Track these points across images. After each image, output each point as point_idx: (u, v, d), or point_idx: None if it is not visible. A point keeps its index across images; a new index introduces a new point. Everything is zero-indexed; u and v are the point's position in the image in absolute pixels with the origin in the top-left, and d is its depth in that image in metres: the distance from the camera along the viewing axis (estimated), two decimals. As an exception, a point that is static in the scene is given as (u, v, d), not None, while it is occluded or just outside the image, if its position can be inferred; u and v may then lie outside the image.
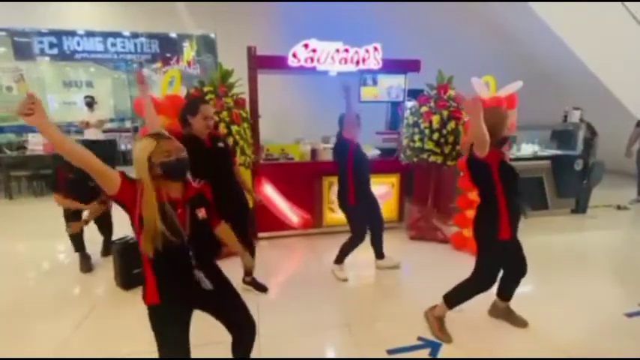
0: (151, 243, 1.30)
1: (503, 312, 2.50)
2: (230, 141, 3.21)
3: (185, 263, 1.43)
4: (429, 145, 3.77)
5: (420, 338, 2.32)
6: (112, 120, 7.19)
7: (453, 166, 3.83)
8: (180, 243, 1.36)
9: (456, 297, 2.33)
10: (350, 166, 2.93)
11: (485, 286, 2.25)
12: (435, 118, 3.70)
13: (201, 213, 1.46)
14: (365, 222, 3.10)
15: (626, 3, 5.84)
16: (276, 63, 3.71)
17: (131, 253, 2.92)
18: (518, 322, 2.45)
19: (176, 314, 1.47)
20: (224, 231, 1.71)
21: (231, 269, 3.13)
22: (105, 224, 3.46)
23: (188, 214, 1.41)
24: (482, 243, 2.24)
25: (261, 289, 2.93)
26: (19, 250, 3.77)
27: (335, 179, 3.99)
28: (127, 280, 2.88)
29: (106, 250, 3.48)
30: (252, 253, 2.94)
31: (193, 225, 1.42)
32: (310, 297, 2.87)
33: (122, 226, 3.67)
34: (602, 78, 6.13)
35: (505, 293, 2.45)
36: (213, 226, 1.64)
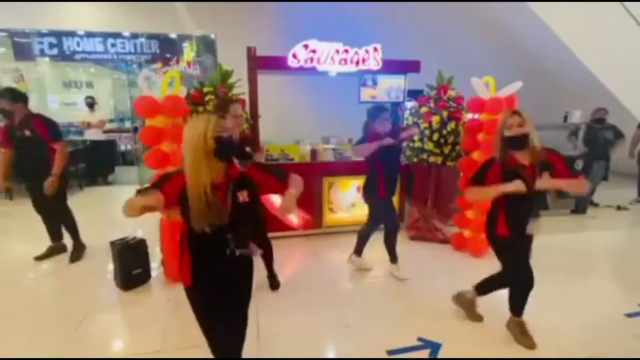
0: (203, 219, 1.36)
1: (513, 327, 2.35)
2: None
3: (222, 246, 1.46)
4: (429, 146, 3.77)
5: (419, 339, 2.32)
6: (111, 120, 7.19)
7: (453, 167, 3.83)
8: (219, 225, 1.40)
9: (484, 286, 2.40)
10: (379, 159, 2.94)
11: (511, 282, 2.30)
12: (435, 119, 3.71)
13: (243, 196, 1.46)
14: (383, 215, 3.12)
15: (626, 4, 5.85)
16: (276, 63, 3.71)
17: (130, 253, 2.92)
18: (526, 342, 2.27)
19: (208, 296, 1.50)
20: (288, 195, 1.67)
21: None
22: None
23: (230, 197, 1.43)
24: (490, 244, 2.30)
25: (274, 285, 2.98)
26: (19, 251, 3.76)
27: (334, 180, 4.02)
28: (126, 280, 2.87)
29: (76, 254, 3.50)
30: (270, 252, 2.99)
31: (234, 207, 1.44)
32: (310, 297, 2.87)
33: (122, 226, 3.68)
34: (602, 79, 6.13)
35: (512, 306, 2.33)
36: (281, 192, 1.65)
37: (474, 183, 2.14)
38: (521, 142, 2.00)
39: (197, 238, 1.42)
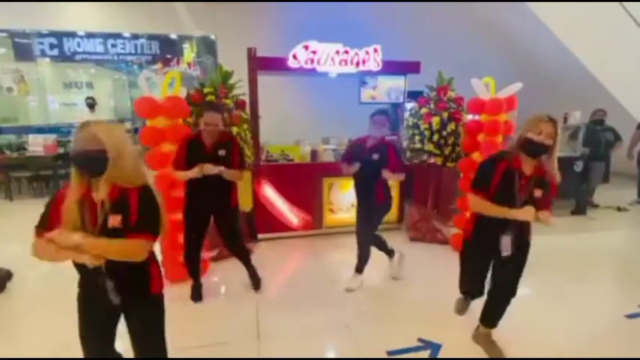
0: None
1: (482, 339, 2.23)
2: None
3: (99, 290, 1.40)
4: (429, 147, 3.77)
5: (420, 339, 2.32)
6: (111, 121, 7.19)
7: (453, 168, 3.83)
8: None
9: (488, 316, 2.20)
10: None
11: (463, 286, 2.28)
12: (435, 120, 3.71)
13: (115, 221, 1.32)
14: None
15: (625, 4, 5.86)
16: (277, 64, 3.71)
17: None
18: (495, 353, 2.16)
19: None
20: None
21: (230, 270, 3.15)
22: None
23: (100, 219, 1.32)
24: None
25: (256, 285, 2.94)
26: (19, 252, 3.76)
27: (334, 180, 4.02)
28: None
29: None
30: (248, 258, 2.94)
31: (103, 232, 1.32)
32: (310, 298, 2.87)
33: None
34: (602, 80, 6.14)
35: (485, 317, 2.18)
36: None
37: (479, 190, 1.91)
38: (539, 150, 1.81)
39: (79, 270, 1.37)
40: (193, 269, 2.75)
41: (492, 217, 1.87)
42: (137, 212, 1.34)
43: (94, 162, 1.29)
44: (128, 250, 1.33)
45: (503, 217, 1.83)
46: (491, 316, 2.16)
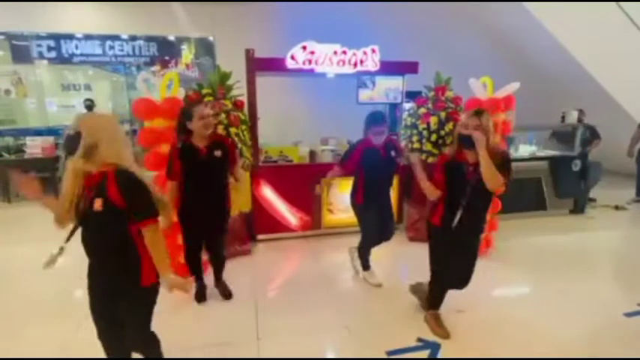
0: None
1: (430, 319, 2.45)
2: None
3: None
4: (427, 147, 3.78)
5: (419, 339, 2.32)
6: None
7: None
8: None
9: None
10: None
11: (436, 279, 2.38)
12: (433, 120, 3.72)
13: (97, 204, 1.40)
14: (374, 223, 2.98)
15: (622, 5, 5.88)
16: (275, 65, 3.71)
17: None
18: (441, 332, 2.36)
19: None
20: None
21: (229, 270, 3.15)
22: None
23: (83, 202, 1.44)
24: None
25: (226, 295, 2.86)
26: (19, 254, 3.76)
27: (333, 181, 4.01)
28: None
29: None
30: (222, 269, 2.89)
31: (84, 215, 1.45)
32: (309, 298, 2.87)
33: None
34: (599, 78, 6.16)
35: (430, 301, 2.46)
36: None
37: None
38: (466, 141, 2.08)
39: None
40: (196, 271, 2.74)
41: (454, 199, 2.18)
42: (123, 199, 1.40)
43: (68, 141, 1.43)
44: (158, 245, 1.47)
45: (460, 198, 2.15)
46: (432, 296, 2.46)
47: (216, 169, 2.57)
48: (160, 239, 1.47)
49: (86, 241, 1.48)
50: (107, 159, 1.41)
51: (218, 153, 2.52)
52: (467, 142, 2.08)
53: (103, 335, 1.63)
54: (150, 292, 1.56)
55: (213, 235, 2.74)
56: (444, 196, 2.25)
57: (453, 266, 2.28)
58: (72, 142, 1.41)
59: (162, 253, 1.46)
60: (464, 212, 2.13)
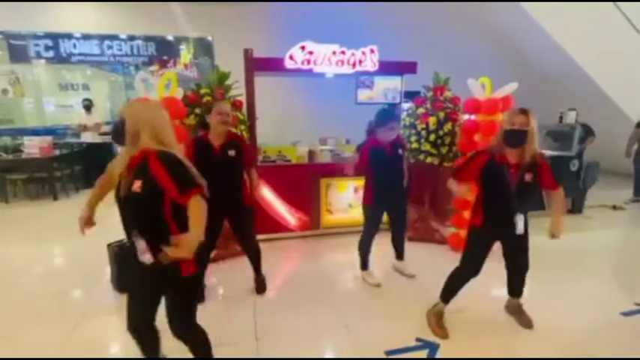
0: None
1: (513, 309, 2.55)
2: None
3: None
4: (426, 147, 3.78)
5: (418, 339, 2.32)
6: (107, 123, 7.16)
7: (450, 168, 3.84)
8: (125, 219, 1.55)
9: (445, 289, 2.42)
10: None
11: (466, 273, 2.35)
12: (432, 120, 3.72)
13: (136, 185, 1.44)
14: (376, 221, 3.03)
15: (620, 5, 5.91)
16: (273, 65, 3.71)
17: (127, 255, 2.90)
18: (524, 322, 2.46)
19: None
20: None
21: (227, 271, 3.14)
22: None
23: (127, 184, 1.47)
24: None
25: (260, 289, 2.93)
26: (15, 254, 3.74)
27: (332, 181, 4.02)
28: (123, 282, 2.86)
29: None
30: (260, 261, 2.94)
31: (128, 197, 1.48)
32: (308, 298, 2.86)
33: (118, 228, 3.67)
34: (597, 79, 6.18)
35: (510, 289, 2.51)
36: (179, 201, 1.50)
37: (455, 172, 2.29)
38: (518, 137, 2.02)
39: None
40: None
41: (500, 203, 2.15)
42: (169, 176, 1.42)
43: (114, 129, 1.52)
44: (198, 214, 1.45)
45: (509, 202, 2.12)
46: (517, 288, 2.47)
47: (230, 169, 2.57)
48: (204, 208, 1.46)
49: (125, 223, 1.53)
50: (150, 146, 1.46)
51: (232, 152, 2.53)
52: (515, 138, 2.02)
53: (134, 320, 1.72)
54: (190, 281, 1.60)
55: (237, 233, 2.76)
56: (481, 199, 2.23)
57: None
58: (117, 131, 1.49)
59: (202, 219, 1.45)
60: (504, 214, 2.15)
